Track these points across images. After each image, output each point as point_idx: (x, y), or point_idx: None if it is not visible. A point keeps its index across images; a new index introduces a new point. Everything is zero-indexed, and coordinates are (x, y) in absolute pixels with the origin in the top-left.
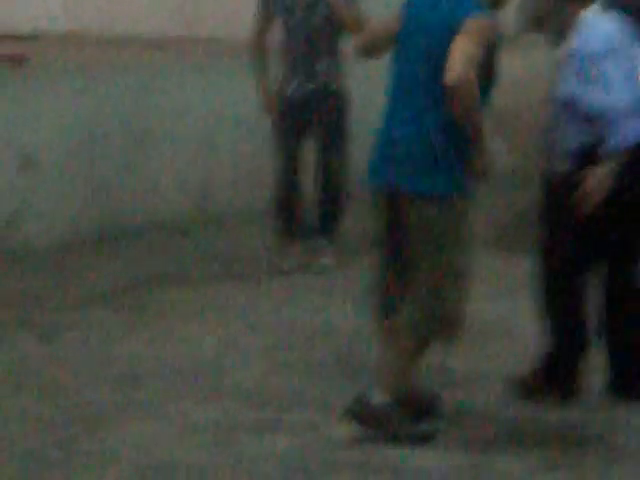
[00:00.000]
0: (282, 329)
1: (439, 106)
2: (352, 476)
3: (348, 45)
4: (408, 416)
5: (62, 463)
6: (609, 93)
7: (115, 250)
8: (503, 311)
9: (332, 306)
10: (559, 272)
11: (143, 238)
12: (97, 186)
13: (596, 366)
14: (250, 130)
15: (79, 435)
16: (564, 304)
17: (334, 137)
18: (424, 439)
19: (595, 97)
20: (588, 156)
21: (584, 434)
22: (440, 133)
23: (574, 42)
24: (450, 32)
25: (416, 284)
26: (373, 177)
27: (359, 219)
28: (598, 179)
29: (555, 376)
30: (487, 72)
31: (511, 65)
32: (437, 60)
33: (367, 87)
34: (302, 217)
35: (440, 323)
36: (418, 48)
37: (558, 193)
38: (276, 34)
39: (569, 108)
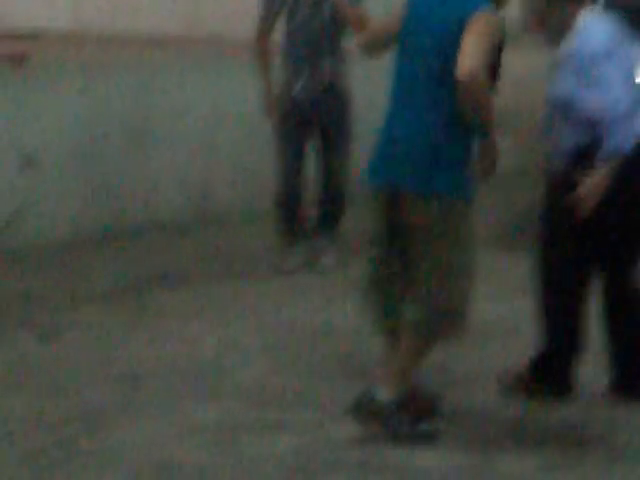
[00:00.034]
0: (282, 329)
1: (440, 105)
2: (353, 476)
3: (351, 44)
4: (410, 416)
5: (62, 463)
6: (608, 95)
7: (115, 250)
8: (503, 311)
9: (333, 306)
10: (557, 271)
11: (143, 238)
12: (97, 186)
13: (597, 366)
14: (250, 130)
15: (79, 435)
16: (561, 303)
17: (336, 137)
18: (425, 439)
19: (594, 99)
20: (584, 156)
21: (584, 434)
22: (441, 132)
23: (573, 43)
24: (459, 27)
25: (418, 284)
26: (374, 176)
27: (360, 219)
28: (594, 182)
29: (549, 374)
30: (492, 69)
31: (513, 64)
32: (442, 58)
33: (369, 87)
34: (305, 217)
35: (443, 322)
36: (421, 46)
37: (557, 193)
38: (278, 35)
39: (566, 108)
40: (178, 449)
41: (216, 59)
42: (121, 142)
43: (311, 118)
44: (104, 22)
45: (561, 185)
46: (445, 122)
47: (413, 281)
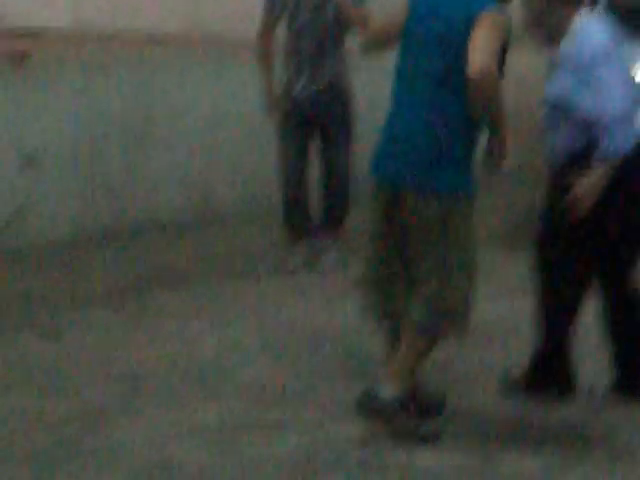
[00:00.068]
0: (283, 329)
1: (442, 104)
2: (353, 476)
3: (353, 44)
4: (413, 414)
5: (62, 463)
6: (604, 97)
7: (115, 250)
8: (503, 311)
9: (333, 306)
10: (557, 271)
11: (143, 238)
12: (97, 186)
13: (597, 366)
14: (251, 130)
15: (79, 435)
16: (561, 303)
17: (337, 137)
18: (428, 438)
19: (590, 101)
20: (582, 156)
21: (584, 434)
22: (443, 132)
23: (572, 43)
24: (466, 27)
25: (418, 284)
26: (376, 172)
27: (361, 219)
28: (590, 182)
29: (549, 374)
30: (498, 67)
31: (514, 64)
32: (446, 58)
33: (372, 86)
34: (309, 216)
35: (443, 322)
36: (425, 46)
37: (556, 193)
38: (279, 34)
39: (562, 110)
40: (178, 449)
41: (216, 59)
42: (121, 142)
43: (312, 118)
44: (104, 21)
45: (561, 185)
46: (447, 121)
47: (414, 281)
